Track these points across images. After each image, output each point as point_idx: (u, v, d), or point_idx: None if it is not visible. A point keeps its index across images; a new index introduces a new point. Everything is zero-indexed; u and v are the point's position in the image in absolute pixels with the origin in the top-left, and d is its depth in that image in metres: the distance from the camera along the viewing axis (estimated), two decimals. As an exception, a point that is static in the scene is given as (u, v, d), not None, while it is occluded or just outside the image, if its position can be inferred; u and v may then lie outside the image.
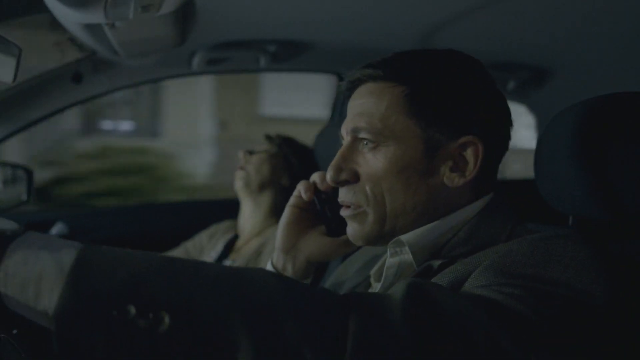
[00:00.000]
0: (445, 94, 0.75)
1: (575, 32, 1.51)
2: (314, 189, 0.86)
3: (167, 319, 0.49)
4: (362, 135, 0.76)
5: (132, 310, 0.48)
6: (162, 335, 0.48)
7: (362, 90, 0.78)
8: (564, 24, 1.46)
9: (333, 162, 0.78)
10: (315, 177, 0.86)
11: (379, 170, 0.75)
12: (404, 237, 0.76)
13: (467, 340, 0.54)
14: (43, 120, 1.66)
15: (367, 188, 0.76)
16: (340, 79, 1.95)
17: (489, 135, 0.76)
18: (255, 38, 1.63)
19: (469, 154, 0.75)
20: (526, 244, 0.66)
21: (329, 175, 0.78)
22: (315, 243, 0.86)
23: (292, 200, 0.88)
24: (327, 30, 1.57)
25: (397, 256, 0.78)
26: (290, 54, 1.71)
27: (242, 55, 1.69)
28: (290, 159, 1.74)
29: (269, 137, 1.79)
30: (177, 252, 1.85)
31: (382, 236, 0.78)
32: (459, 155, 0.75)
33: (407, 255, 0.76)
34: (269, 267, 0.90)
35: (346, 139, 0.79)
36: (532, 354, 0.55)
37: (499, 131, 0.78)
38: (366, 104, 0.77)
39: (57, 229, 1.88)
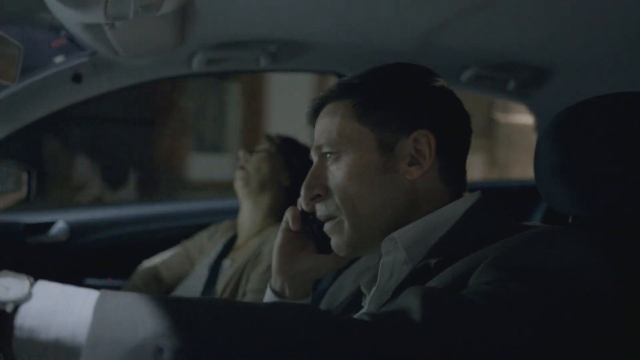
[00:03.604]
0: (390, 98, 0.81)
1: (575, 32, 1.51)
2: (301, 214, 0.90)
3: None
4: (325, 150, 0.82)
5: None
6: None
7: (322, 113, 0.85)
8: (564, 24, 1.46)
9: (305, 182, 0.84)
10: (300, 200, 0.89)
11: (343, 178, 0.80)
12: (396, 234, 0.78)
13: (487, 348, 0.55)
14: (43, 120, 1.66)
15: (337, 198, 0.80)
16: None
17: (441, 128, 0.80)
18: (255, 38, 1.63)
19: (423, 146, 0.79)
20: (525, 239, 0.68)
21: (302, 194, 0.83)
22: (308, 262, 0.90)
23: (283, 225, 0.92)
24: (327, 30, 1.57)
25: (390, 254, 0.79)
26: (290, 54, 1.71)
27: (242, 55, 1.69)
28: (290, 159, 1.74)
29: (268, 137, 1.79)
30: (177, 251, 1.85)
31: (363, 242, 0.81)
32: (415, 150, 0.79)
33: (401, 253, 0.77)
34: (268, 291, 0.92)
35: (314, 158, 0.85)
36: (538, 348, 0.56)
37: (452, 124, 0.82)
38: (325, 123, 0.83)
39: (57, 228, 1.89)
